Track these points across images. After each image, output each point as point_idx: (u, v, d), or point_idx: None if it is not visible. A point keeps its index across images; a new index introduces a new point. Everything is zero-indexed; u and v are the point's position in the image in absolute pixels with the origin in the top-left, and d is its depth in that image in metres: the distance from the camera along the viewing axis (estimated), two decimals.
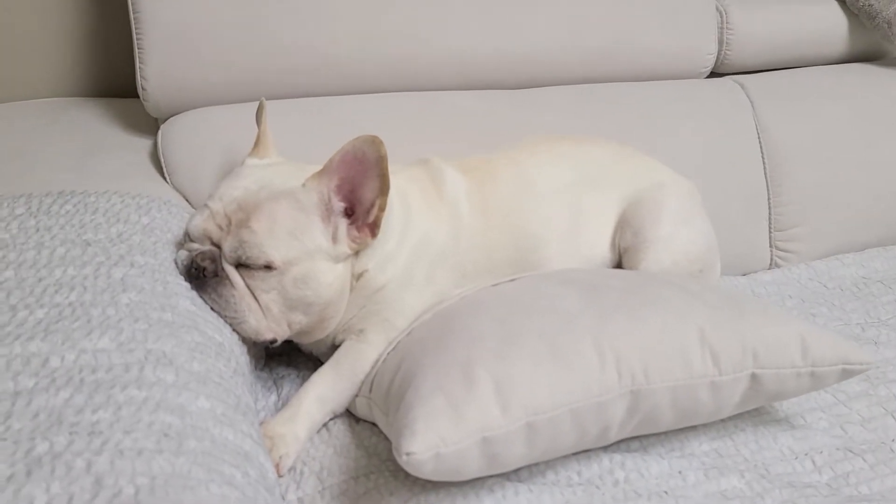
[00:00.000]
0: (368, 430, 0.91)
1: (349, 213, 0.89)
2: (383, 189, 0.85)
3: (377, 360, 0.92)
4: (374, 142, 0.83)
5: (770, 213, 1.42)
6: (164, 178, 1.14)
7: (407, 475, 0.83)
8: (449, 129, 1.24)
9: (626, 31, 1.39)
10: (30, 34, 1.37)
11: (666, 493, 0.79)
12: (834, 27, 1.56)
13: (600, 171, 1.08)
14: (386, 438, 0.89)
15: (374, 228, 0.88)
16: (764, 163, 1.42)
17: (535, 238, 1.02)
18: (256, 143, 0.96)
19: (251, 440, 0.68)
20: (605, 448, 0.86)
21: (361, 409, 0.90)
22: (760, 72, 1.54)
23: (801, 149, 1.43)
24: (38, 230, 0.88)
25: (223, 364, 0.76)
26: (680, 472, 0.82)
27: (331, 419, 0.91)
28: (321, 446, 0.87)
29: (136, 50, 1.16)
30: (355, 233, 0.88)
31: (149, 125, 1.30)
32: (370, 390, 0.89)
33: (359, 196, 0.87)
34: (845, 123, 1.46)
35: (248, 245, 0.84)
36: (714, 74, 1.52)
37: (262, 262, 0.84)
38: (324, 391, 0.89)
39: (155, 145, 1.22)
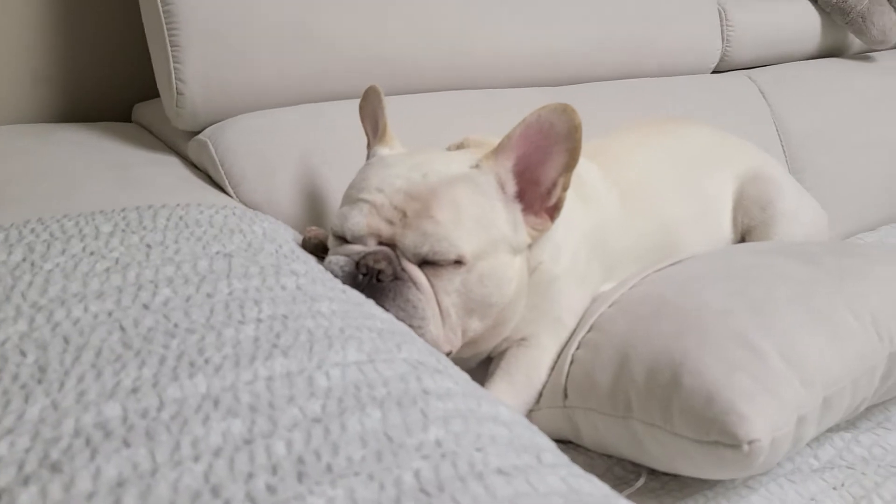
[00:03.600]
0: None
1: (520, 196, 0.78)
2: (570, 165, 0.75)
3: (551, 366, 0.81)
4: (566, 110, 0.73)
5: None
6: (225, 191, 0.97)
7: (648, 487, 0.73)
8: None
9: (648, 29, 1.39)
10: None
11: None
12: (809, 25, 1.64)
13: (710, 152, 1.04)
14: (587, 451, 0.78)
15: (554, 212, 0.78)
16: (783, 150, 1.45)
17: (674, 222, 0.95)
18: (383, 133, 0.83)
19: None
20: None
21: (547, 423, 0.79)
22: (756, 67, 1.58)
23: (815, 135, 1.48)
24: (150, 246, 0.70)
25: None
26: None
27: None
28: None
29: (170, 49, 0.99)
30: (534, 218, 0.78)
31: (154, 144, 1.12)
32: (564, 398, 0.77)
33: (538, 175, 0.76)
34: (847, 110, 1.53)
35: (435, 238, 0.71)
36: (714, 72, 1.55)
37: (452, 256, 0.71)
38: None
39: (194, 158, 1.04)
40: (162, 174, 0.98)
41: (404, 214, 0.72)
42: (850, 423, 0.82)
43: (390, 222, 0.72)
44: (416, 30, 1.12)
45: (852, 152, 1.50)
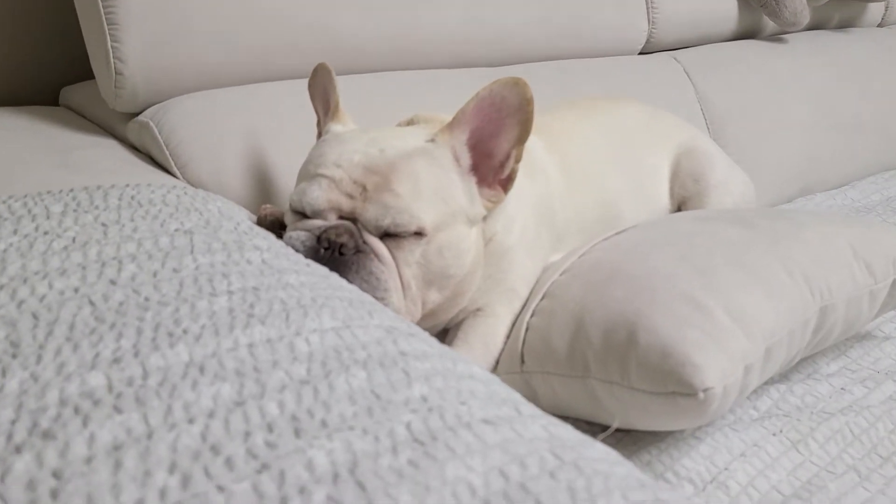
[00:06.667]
0: None
1: (474, 169, 0.80)
2: (522, 137, 0.78)
3: (507, 334, 0.84)
4: (518, 84, 0.75)
5: None
6: (171, 172, 0.96)
7: (604, 442, 0.76)
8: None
9: (580, 12, 1.43)
10: None
11: (850, 407, 0.80)
12: (728, 8, 1.71)
13: (646, 128, 1.09)
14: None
15: (507, 184, 0.80)
16: (708, 127, 1.53)
17: (616, 195, 0.99)
18: (335, 111, 0.84)
19: None
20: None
21: None
22: (680, 48, 1.65)
23: (736, 113, 1.56)
24: (105, 224, 0.69)
25: None
26: (843, 389, 0.83)
27: None
28: None
29: (107, 27, 0.96)
30: (488, 190, 0.80)
31: (89, 127, 1.09)
32: (521, 363, 0.80)
33: (491, 148, 0.79)
34: (764, 89, 1.61)
35: (395, 210, 0.72)
36: (642, 53, 1.61)
37: (413, 228, 0.73)
38: None
39: (135, 140, 1.02)
40: (103, 157, 0.96)
41: (364, 188, 0.73)
42: (783, 376, 0.88)
43: (350, 196, 0.73)
44: (362, 9, 1.12)
45: (770, 129, 1.59)
